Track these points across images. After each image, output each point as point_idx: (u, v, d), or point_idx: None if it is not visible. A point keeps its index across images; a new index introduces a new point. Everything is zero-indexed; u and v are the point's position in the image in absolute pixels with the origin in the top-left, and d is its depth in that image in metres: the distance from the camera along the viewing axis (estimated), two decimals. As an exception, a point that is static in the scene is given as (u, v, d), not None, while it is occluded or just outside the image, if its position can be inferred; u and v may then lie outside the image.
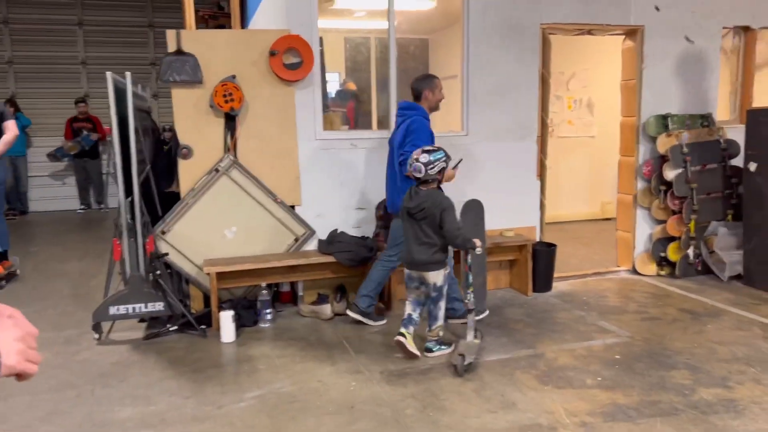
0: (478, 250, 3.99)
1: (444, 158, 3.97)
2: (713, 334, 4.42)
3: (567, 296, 5.44)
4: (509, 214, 5.66)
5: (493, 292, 5.51)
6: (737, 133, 5.98)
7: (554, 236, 6.24)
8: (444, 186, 4.19)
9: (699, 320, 4.72)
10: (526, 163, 5.72)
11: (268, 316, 4.87)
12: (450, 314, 4.61)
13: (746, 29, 6.23)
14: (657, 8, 5.83)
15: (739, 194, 5.82)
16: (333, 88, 7.81)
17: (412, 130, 4.38)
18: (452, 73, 9.01)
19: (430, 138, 4.44)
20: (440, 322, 4.12)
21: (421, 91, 4.54)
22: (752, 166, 5.40)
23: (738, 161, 5.89)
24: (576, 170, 8.95)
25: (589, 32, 5.93)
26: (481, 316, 4.76)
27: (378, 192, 5.28)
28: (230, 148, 5.00)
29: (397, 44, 5.41)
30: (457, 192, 5.40)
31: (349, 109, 7.12)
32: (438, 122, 8.44)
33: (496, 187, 5.57)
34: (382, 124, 6.11)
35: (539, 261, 5.48)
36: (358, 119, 7.21)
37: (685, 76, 6.01)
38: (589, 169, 9.05)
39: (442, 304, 4.10)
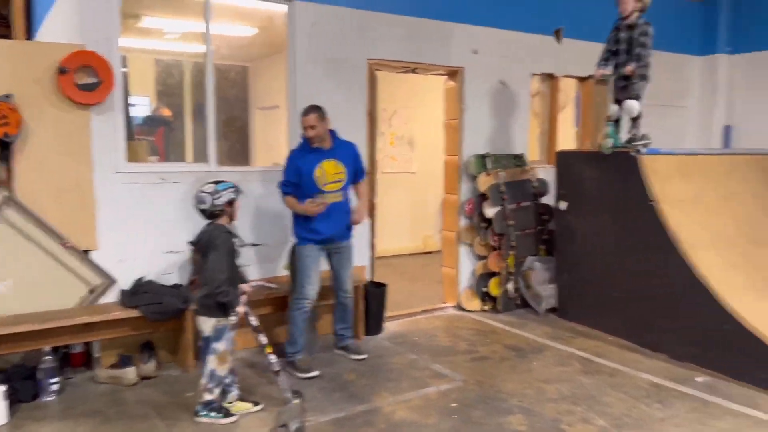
0: (233, 318, 3.56)
1: (233, 189, 3.67)
2: (539, 371, 4.49)
3: (398, 338, 5.26)
4: (338, 254, 5.37)
5: (324, 337, 5.14)
6: (546, 173, 6.38)
7: (381, 272, 6.09)
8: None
9: (525, 357, 4.79)
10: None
11: (54, 387, 3.99)
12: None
13: (551, 76, 6.73)
14: (475, 51, 6.04)
15: (551, 230, 6.17)
16: (141, 112, 6.99)
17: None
18: (274, 103, 8.64)
19: (292, 173, 4.44)
20: (205, 380, 3.60)
21: None
22: (562, 205, 5.75)
23: (547, 199, 6.26)
24: (398, 205, 9.02)
25: (414, 71, 5.96)
26: (311, 375, 4.36)
27: (194, 232, 4.66)
28: (4, 181, 4.08)
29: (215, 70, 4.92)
30: (284, 233, 5.01)
31: (159, 138, 6.38)
32: (261, 157, 8.05)
33: (325, 225, 5.26)
34: (199, 155, 5.51)
35: (371, 302, 5.26)
36: (169, 150, 6.50)
37: (500, 117, 6.30)
38: (410, 204, 9.19)
39: (212, 360, 3.57)
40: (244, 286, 3.69)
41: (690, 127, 8.07)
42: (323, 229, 4.46)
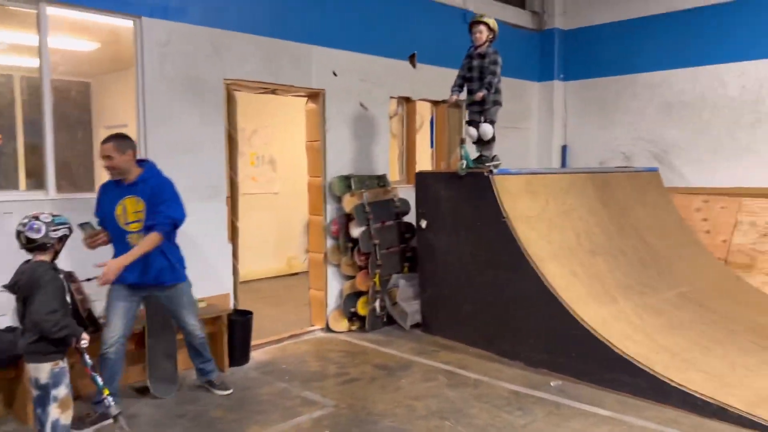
0: (84, 343, 3.29)
1: (68, 226, 3.41)
2: (408, 389, 4.57)
3: (267, 366, 5.10)
4: (199, 283, 5.03)
5: (184, 374, 4.84)
6: (407, 192, 6.58)
7: (245, 298, 5.89)
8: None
9: (394, 375, 4.86)
10: (216, 225, 5.28)
11: None
12: None
13: (407, 100, 6.98)
14: (335, 74, 6.10)
15: (413, 248, 6.36)
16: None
17: None
18: (121, 122, 8.08)
19: (97, 208, 4.15)
20: None
21: None
22: (423, 223, 5.95)
23: (409, 218, 6.45)
24: (262, 227, 8.80)
25: (274, 92, 5.87)
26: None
27: (30, 269, 4.19)
28: None
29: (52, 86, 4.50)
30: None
31: (-15, 163, 5.66)
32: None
33: (183, 253, 4.98)
34: (35, 182, 4.97)
35: (235, 332, 5.05)
36: (-1, 176, 5.78)
37: (362, 139, 6.40)
38: (274, 226, 9.02)
39: (52, 410, 3.21)
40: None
41: (532, 147, 8.76)
42: (126, 273, 3.90)
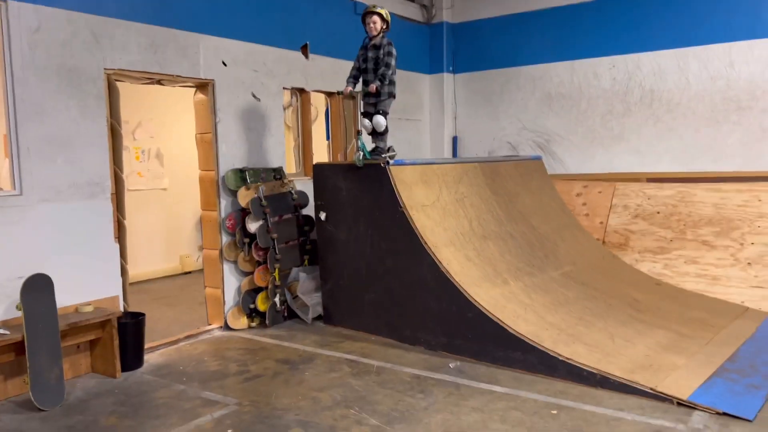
0: None
1: None
2: (312, 381, 4.56)
3: (162, 369, 4.89)
4: (84, 286, 4.79)
5: (71, 382, 4.55)
6: (305, 185, 6.53)
7: (135, 299, 5.62)
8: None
9: (297, 369, 4.83)
10: (100, 224, 4.97)
11: None
12: None
13: (302, 91, 6.90)
14: (224, 63, 5.91)
15: (313, 240, 6.33)
16: None
17: None
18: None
19: None
20: None
21: None
22: (322, 216, 5.93)
23: (308, 210, 6.41)
24: (151, 225, 8.41)
25: (159, 82, 5.60)
26: None
27: None
28: None
29: None
30: (14, 267, 4.34)
31: None
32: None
33: (65, 256, 4.67)
34: None
35: (127, 335, 4.80)
36: None
37: (256, 131, 6.26)
38: (164, 223, 8.63)
39: None
40: None
41: (425, 138, 8.99)
42: None
